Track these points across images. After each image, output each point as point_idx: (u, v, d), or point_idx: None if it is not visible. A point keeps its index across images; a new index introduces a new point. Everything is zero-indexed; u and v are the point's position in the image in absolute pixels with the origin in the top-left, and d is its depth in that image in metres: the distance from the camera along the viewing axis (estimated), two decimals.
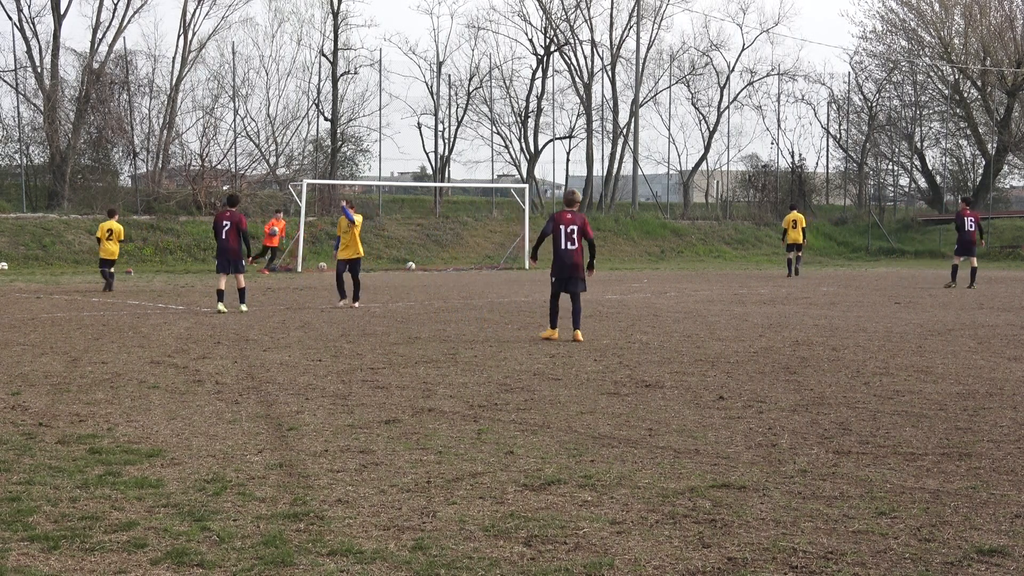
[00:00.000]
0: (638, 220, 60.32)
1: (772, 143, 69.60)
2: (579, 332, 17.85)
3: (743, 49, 69.11)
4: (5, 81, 49.74)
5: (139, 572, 6.28)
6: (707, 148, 67.34)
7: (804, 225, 39.86)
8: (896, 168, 73.39)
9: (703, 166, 68.02)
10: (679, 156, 70.73)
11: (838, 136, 71.96)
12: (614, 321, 21.14)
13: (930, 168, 72.82)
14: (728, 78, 67.41)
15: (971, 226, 32.58)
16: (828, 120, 71.19)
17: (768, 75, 68.26)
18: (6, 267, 39.23)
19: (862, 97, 72.46)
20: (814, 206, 68.29)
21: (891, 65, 71.29)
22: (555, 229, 17.91)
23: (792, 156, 69.08)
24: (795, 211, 40.50)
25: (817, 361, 15.27)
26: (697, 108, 67.94)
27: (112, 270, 29.63)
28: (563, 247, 17.95)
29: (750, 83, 68.01)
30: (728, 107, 67.40)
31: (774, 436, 10.05)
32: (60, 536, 6.88)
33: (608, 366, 14.79)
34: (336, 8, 56.84)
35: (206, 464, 8.85)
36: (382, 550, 6.65)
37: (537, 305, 24.82)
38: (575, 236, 17.93)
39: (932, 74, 71.28)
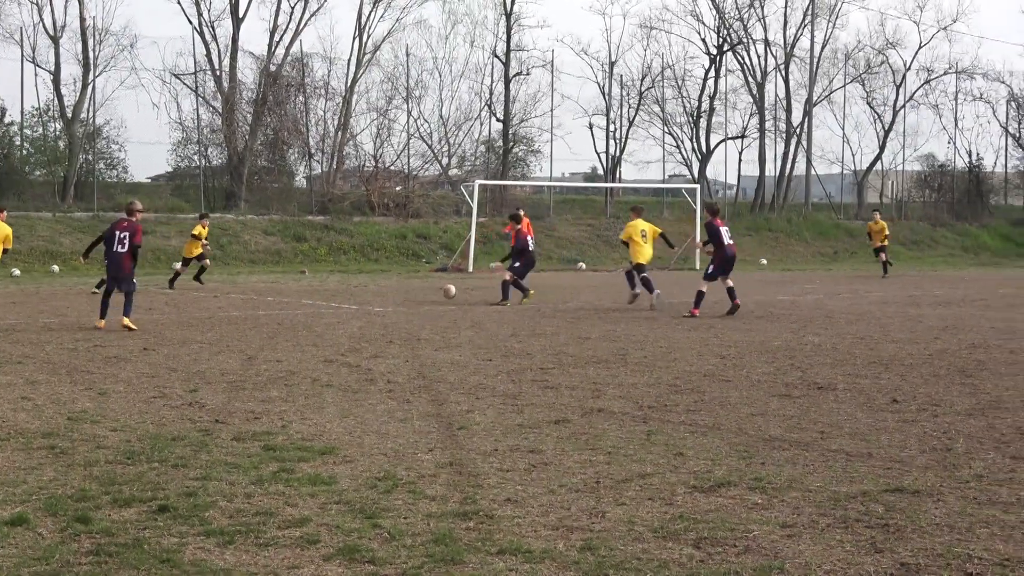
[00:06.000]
0: (811, 220, 59.52)
1: (949, 142, 68.13)
2: None
3: (920, 47, 67.56)
4: (185, 84, 51.03)
5: (312, 568, 6.38)
6: (882, 148, 66.11)
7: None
8: None
9: (878, 166, 66.81)
10: (853, 156, 69.20)
11: (1017, 135, 70.08)
12: (786, 322, 20.88)
13: None
14: (904, 76, 66.06)
15: None
16: (1007, 119, 69.40)
17: (945, 73, 66.75)
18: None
19: None
20: (992, 206, 66.63)
21: None
22: None
23: (970, 155, 67.59)
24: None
25: (994, 364, 14.89)
26: (872, 107, 66.75)
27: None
28: None
29: (927, 81, 66.56)
30: (904, 106, 66.12)
31: (949, 440, 9.82)
32: (235, 531, 7.02)
33: (779, 368, 14.61)
34: (509, 9, 57.14)
35: (377, 462, 8.96)
36: (551, 550, 6.65)
37: (705, 306, 24.59)
38: None
39: None
